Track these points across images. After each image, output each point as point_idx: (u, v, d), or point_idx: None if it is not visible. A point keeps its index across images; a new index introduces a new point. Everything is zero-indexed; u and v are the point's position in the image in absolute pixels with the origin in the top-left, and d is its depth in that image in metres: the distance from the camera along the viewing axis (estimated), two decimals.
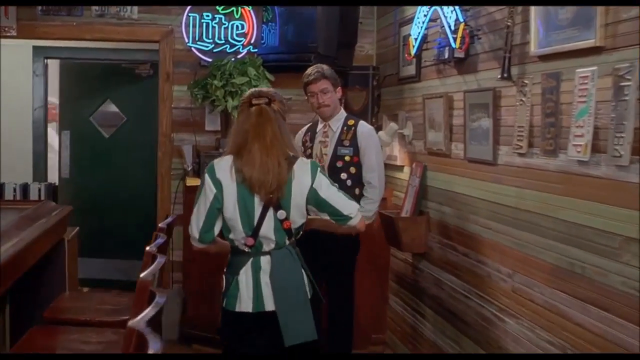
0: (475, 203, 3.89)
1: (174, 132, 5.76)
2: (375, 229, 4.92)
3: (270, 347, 2.85)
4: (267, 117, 2.85)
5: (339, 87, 4.33)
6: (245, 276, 2.83)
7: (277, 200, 2.79)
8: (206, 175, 2.86)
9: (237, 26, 5.67)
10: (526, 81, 3.28)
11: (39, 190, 4.14)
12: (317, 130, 4.43)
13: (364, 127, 4.34)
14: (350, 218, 2.94)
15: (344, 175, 4.26)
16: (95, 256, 6.62)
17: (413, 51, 4.40)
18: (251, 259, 2.84)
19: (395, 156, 5.18)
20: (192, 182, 5.39)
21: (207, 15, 5.61)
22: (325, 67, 4.29)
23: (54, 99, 7.26)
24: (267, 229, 2.81)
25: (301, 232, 3.00)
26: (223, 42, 5.65)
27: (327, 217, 2.95)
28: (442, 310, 4.33)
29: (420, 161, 4.68)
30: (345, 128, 4.33)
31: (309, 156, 4.36)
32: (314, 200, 2.87)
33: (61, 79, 7.02)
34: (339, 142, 4.31)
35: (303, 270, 2.94)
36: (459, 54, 3.89)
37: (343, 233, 3.26)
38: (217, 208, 2.83)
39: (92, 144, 6.93)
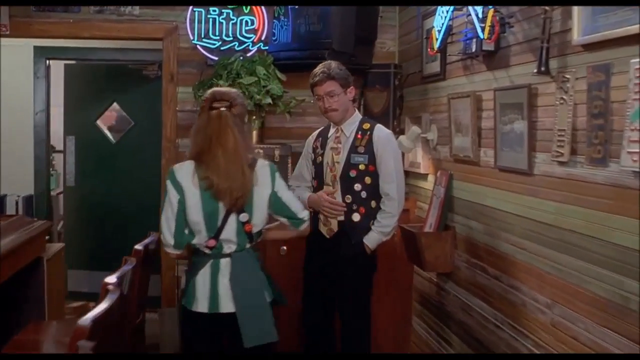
0: (507, 218, 3.37)
1: (179, 137, 5.31)
2: (397, 243, 4.45)
3: (230, 348, 2.89)
4: (227, 122, 2.84)
5: (351, 87, 3.83)
6: (202, 277, 2.86)
7: (241, 205, 2.82)
8: (168, 182, 2.88)
9: (246, 22, 5.20)
10: (568, 76, 2.75)
11: (16, 203, 3.73)
12: (329, 135, 3.93)
13: (380, 132, 3.83)
14: (305, 221, 3.00)
15: (357, 186, 3.77)
16: (102, 269, 6.17)
17: (436, 45, 3.89)
18: (211, 261, 2.87)
19: (419, 163, 4.67)
20: None
21: (214, 11, 5.15)
22: (333, 65, 3.80)
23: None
24: (229, 231, 2.84)
25: (260, 237, 3.01)
26: (231, 39, 5.18)
27: (284, 221, 3.01)
28: (470, 339, 3.80)
29: (446, 169, 4.17)
30: (359, 133, 3.83)
31: (320, 164, 3.87)
32: (275, 203, 2.91)
33: (66, 81, 6.62)
34: (353, 149, 3.81)
35: (263, 273, 2.97)
36: (488, 46, 3.37)
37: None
38: (182, 211, 2.86)
39: (99, 150, 6.54)
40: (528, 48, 3.13)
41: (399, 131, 4.95)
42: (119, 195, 6.41)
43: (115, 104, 6.55)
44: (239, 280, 2.83)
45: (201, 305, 2.85)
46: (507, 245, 3.39)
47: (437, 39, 3.86)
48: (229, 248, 2.87)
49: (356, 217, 3.77)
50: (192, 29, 5.15)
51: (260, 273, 2.95)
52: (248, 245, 2.91)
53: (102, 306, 2.14)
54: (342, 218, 3.78)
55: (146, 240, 3.35)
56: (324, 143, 3.92)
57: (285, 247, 4.62)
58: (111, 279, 2.52)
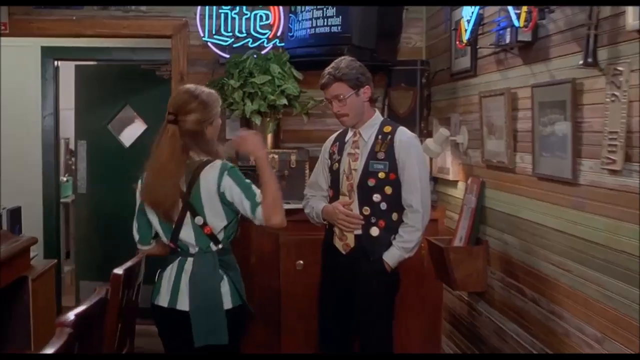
0: (547, 234, 2.94)
1: None
2: (425, 257, 4.08)
3: (185, 346, 2.86)
4: (167, 135, 2.81)
5: (365, 87, 3.35)
6: (169, 272, 2.90)
7: (169, 218, 2.83)
8: (139, 182, 2.96)
9: (260, 16, 4.82)
10: (621, 68, 2.32)
11: (0, 216, 3.42)
12: (347, 139, 3.50)
13: (402, 135, 3.37)
14: (257, 219, 2.81)
15: (376, 197, 3.33)
16: None
17: (465, 36, 3.47)
18: (179, 258, 2.90)
19: (447, 169, 4.24)
20: None
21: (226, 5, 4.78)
22: (343, 63, 3.34)
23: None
24: (187, 234, 2.84)
25: (234, 234, 2.95)
26: (244, 35, 4.81)
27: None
28: None
29: (477, 176, 3.75)
30: (380, 137, 3.38)
31: (336, 171, 3.47)
32: (225, 203, 2.82)
33: (76, 83, 6.31)
34: (372, 155, 3.37)
35: (227, 278, 2.88)
36: (525, 36, 2.94)
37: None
38: (143, 210, 2.94)
39: (111, 155, 6.20)
40: (572, 37, 2.69)
41: (426, 134, 4.54)
42: (132, 201, 6.04)
43: (128, 107, 6.21)
44: (196, 280, 2.83)
45: (162, 299, 2.88)
46: (547, 264, 2.95)
47: (466, 30, 3.44)
48: (193, 249, 2.87)
49: (375, 231, 3.34)
50: (203, 25, 4.80)
51: (220, 277, 2.87)
52: (214, 247, 2.87)
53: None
54: (359, 232, 3.36)
55: (128, 263, 2.94)
56: (342, 148, 3.49)
57: (302, 262, 4.24)
58: (65, 319, 2.10)
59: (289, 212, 4.17)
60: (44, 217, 6.03)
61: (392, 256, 3.31)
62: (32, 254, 3.65)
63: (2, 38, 5.44)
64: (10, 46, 5.76)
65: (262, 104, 4.44)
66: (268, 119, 4.54)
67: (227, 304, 2.85)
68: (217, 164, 2.82)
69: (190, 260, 2.86)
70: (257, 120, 4.44)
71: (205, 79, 4.72)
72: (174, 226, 2.83)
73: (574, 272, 2.71)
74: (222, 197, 2.79)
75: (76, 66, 6.29)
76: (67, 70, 6.32)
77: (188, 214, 2.80)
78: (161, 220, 2.86)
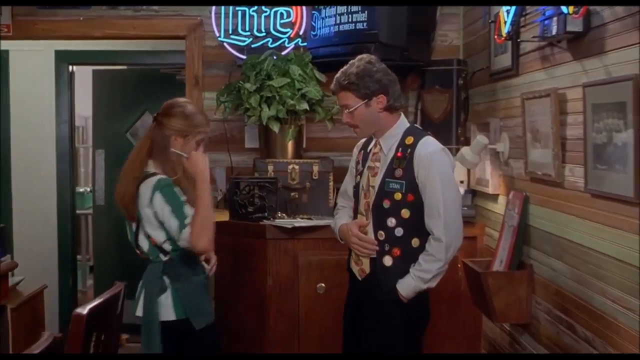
0: (603, 263, 2.47)
1: (206, 151, 4.53)
2: (462, 279, 3.66)
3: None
4: (146, 134, 2.97)
5: (380, 96, 2.87)
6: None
7: (131, 216, 2.87)
8: None
9: (281, 14, 4.41)
10: None
11: None
12: (369, 149, 3.05)
13: (423, 148, 2.85)
14: (182, 240, 2.77)
15: (391, 222, 2.85)
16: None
17: (505, 29, 3.00)
18: (148, 266, 2.95)
19: (487, 181, 3.78)
20: (217, 216, 4.15)
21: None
22: (354, 68, 2.87)
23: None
24: (143, 244, 2.88)
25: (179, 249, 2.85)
26: (264, 34, 4.41)
27: None
28: None
29: (520, 190, 3.29)
30: (400, 150, 2.90)
31: (357, 185, 3.05)
32: (158, 220, 2.81)
33: (94, 89, 6.00)
34: (389, 172, 2.88)
35: (171, 290, 2.85)
36: (575, 25, 2.47)
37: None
38: None
39: None
40: (632, 24, 2.21)
41: (463, 141, 4.08)
42: None
43: (147, 113, 5.85)
44: (142, 289, 2.91)
45: (137, 308, 2.93)
46: (603, 299, 2.47)
47: (505, 22, 2.98)
48: (153, 257, 2.90)
49: (388, 260, 2.87)
50: (219, 25, 4.42)
51: (162, 286, 2.85)
52: (163, 257, 2.88)
53: None
54: (375, 256, 2.92)
55: (97, 300, 2.52)
56: (365, 159, 3.05)
57: (323, 285, 3.80)
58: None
59: (310, 229, 3.82)
60: (58, 230, 5.69)
61: (406, 286, 2.83)
62: (17, 279, 3.28)
63: (14, 42, 5.21)
64: (23, 50, 5.58)
65: (281, 109, 4.03)
66: (288, 125, 4.12)
67: (167, 315, 2.83)
68: (154, 180, 2.81)
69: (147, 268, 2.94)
70: (275, 127, 4.03)
71: (222, 83, 4.36)
72: (134, 232, 2.88)
73: (636, 310, 2.22)
74: (154, 214, 2.79)
75: (94, 71, 5.98)
76: (83, 75, 5.99)
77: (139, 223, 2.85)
78: (128, 222, 2.91)
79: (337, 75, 2.93)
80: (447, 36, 4.45)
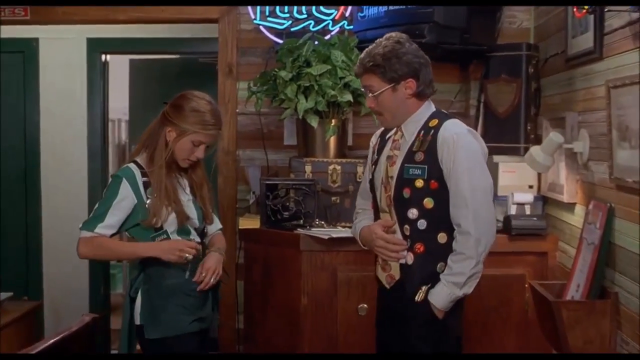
0: None
1: (240, 148, 4.11)
2: (530, 303, 3.18)
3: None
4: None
5: (409, 80, 2.52)
6: None
7: None
8: None
9: None
10: None
11: None
12: (387, 136, 2.70)
13: (447, 129, 2.50)
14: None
15: (412, 214, 2.52)
16: None
17: None
18: None
19: (561, 186, 3.24)
20: (247, 222, 3.70)
21: None
22: (380, 48, 2.52)
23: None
24: None
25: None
26: (305, 16, 3.97)
27: None
28: None
29: (603, 199, 2.75)
30: (422, 132, 2.56)
31: (372, 180, 2.70)
32: None
33: (131, 81, 5.67)
34: (409, 156, 2.56)
35: (142, 292, 2.68)
36: None
37: None
38: None
39: None
40: None
41: (533, 139, 3.56)
42: None
43: None
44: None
45: None
46: None
47: None
48: None
49: (409, 258, 2.54)
50: (254, 6, 3.94)
51: (135, 287, 2.72)
52: None
53: None
54: (404, 261, 2.57)
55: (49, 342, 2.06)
56: (381, 148, 2.70)
57: (365, 305, 3.32)
58: None
59: (350, 241, 3.30)
60: None
61: (438, 295, 2.49)
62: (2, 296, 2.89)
63: (43, 30, 4.89)
64: (53, 39, 5.22)
65: (320, 100, 3.53)
66: (329, 119, 3.60)
67: (136, 318, 2.68)
68: (122, 167, 2.73)
69: None
70: (314, 121, 3.53)
71: (258, 72, 3.89)
72: None
73: None
74: None
75: (130, 61, 5.61)
76: (118, 65, 5.62)
77: None
78: None
79: (361, 55, 2.60)
80: (515, 17, 3.93)
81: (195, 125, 2.66)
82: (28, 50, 5.22)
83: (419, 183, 2.50)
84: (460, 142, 2.46)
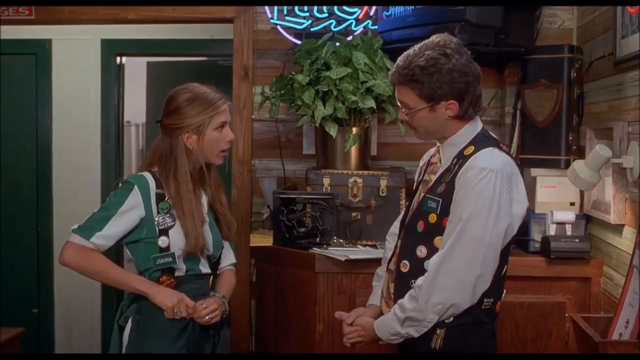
0: None
1: (256, 157, 3.84)
2: (570, 335, 2.92)
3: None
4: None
5: (451, 102, 2.20)
6: None
7: None
8: None
9: None
10: None
11: None
12: (428, 158, 2.46)
13: (477, 162, 2.18)
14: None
15: (421, 251, 2.26)
16: None
17: None
18: None
19: (607, 205, 2.91)
20: (259, 239, 3.43)
21: None
22: (422, 58, 2.18)
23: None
24: None
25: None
26: (326, 15, 3.68)
27: None
28: None
29: None
30: (455, 160, 2.27)
31: (407, 210, 2.44)
32: None
33: (148, 84, 5.48)
34: (435, 186, 2.30)
35: (130, 322, 2.44)
36: None
37: None
38: None
39: None
40: None
41: (576, 151, 3.25)
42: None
43: None
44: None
45: None
46: None
47: None
48: None
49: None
50: (272, 5, 3.70)
51: (126, 315, 2.51)
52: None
53: None
54: None
55: None
56: (423, 170, 2.44)
57: None
58: None
59: (370, 262, 3.03)
60: None
61: (381, 322, 2.34)
62: None
63: (57, 31, 4.77)
64: (67, 40, 5.08)
65: (340, 107, 3.25)
66: (350, 127, 3.31)
67: (124, 348, 2.46)
68: (136, 174, 2.52)
69: None
70: (332, 130, 3.25)
71: (275, 75, 3.64)
72: None
73: None
74: None
75: (148, 63, 5.42)
76: (134, 67, 5.43)
77: None
78: None
79: (399, 61, 2.26)
80: (556, 16, 3.61)
81: (207, 110, 2.47)
82: (40, 52, 5.08)
83: (432, 218, 2.24)
84: (476, 179, 2.14)
